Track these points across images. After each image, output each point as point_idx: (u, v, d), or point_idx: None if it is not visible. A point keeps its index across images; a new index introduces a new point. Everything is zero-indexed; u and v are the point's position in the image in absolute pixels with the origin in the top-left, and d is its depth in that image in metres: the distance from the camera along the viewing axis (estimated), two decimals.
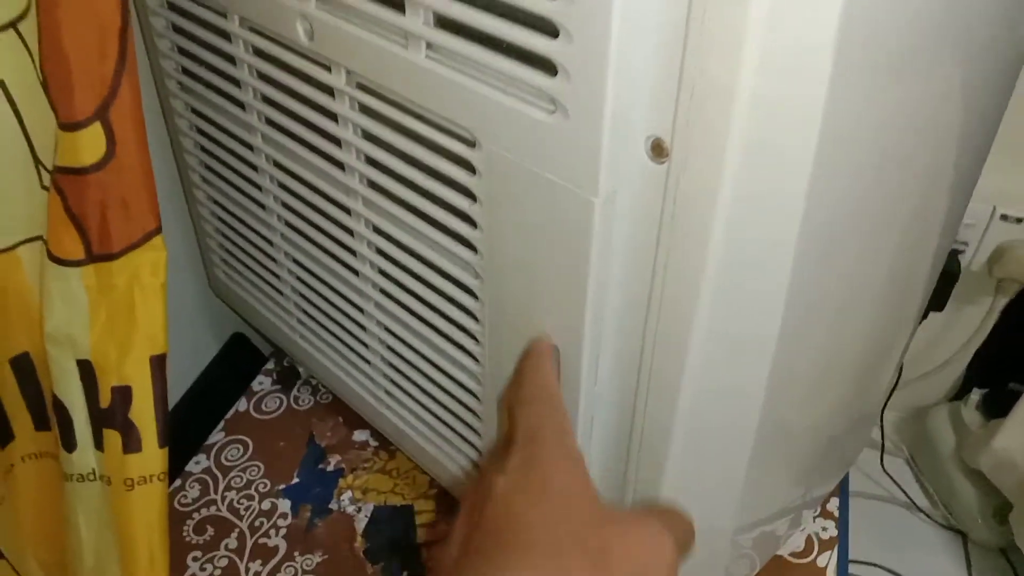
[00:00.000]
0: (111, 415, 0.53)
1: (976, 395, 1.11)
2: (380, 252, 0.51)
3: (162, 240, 0.52)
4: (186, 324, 0.78)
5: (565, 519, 0.33)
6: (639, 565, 0.32)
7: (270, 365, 0.78)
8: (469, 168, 0.40)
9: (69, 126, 0.48)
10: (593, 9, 0.31)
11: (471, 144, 0.40)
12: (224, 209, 0.65)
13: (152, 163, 0.51)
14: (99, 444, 0.54)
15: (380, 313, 0.54)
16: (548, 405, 0.39)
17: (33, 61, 0.48)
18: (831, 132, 0.31)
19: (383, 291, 0.53)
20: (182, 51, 0.59)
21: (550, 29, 0.33)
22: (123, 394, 0.53)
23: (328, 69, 0.46)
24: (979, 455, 1.04)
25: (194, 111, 0.62)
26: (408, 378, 0.55)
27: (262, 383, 0.76)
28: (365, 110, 0.46)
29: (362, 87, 0.45)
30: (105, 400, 0.53)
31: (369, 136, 0.46)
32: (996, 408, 1.09)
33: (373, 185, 0.48)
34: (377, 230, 0.50)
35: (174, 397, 0.76)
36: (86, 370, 0.53)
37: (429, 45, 0.39)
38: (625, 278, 0.37)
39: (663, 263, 0.35)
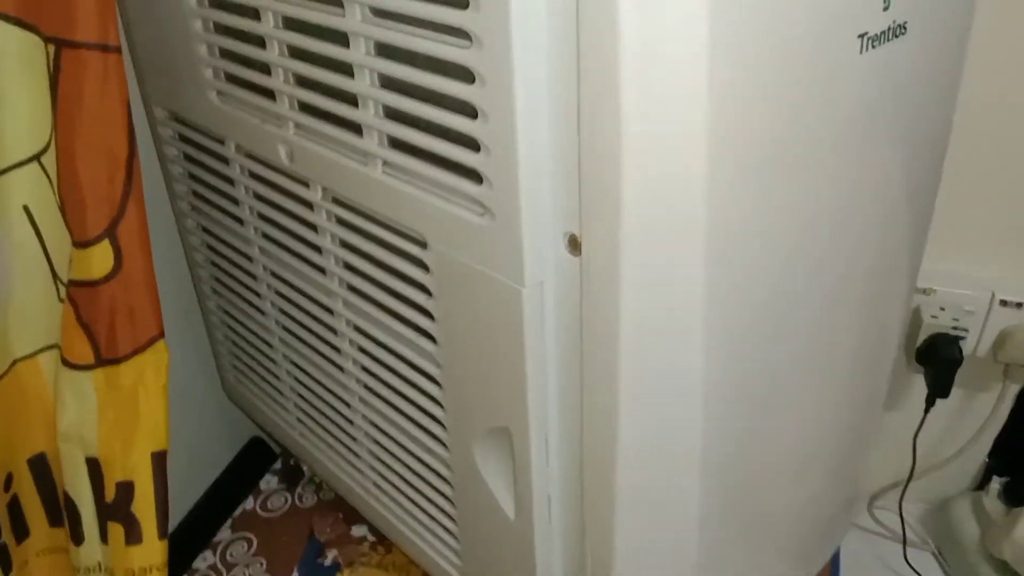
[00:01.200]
0: (115, 508, 0.57)
1: (997, 484, 1.09)
2: (360, 348, 0.55)
3: (164, 344, 0.57)
4: (205, 428, 0.83)
5: None
6: None
7: (277, 465, 0.82)
8: (423, 266, 0.45)
9: (82, 244, 0.54)
10: (502, 127, 0.36)
11: (423, 245, 0.44)
12: (231, 316, 0.71)
13: (157, 275, 0.57)
14: (104, 537, 0.58)
15: (363, 407, 0.58)
16: None
17: (52, 188, 0.54)
18: (717, 217, 0.35)
19: (365, 385, 0.57)
20: (191, 176, 0.66)
21: (474, 145, 0.38)
22: (126, 489, 0.57)
23: (307, 186, 0.51)
24: (1002, 545, 1.01)
25: (203, 228, 0.68)
26: (391, 468, 0.58)
27: (269, 482, 0.80)
28: (339, 221, 0.51)
29: (336, 200, 0.50)
30: (110, 494, 0.57)
31: (344, 243, 0.51)
32: (1018, 496, 1.07)
33: (350, 287, 0.53)
34: (356, 328, 0.54)
35: (190, 499, 0.80)
36: (94, 466, 0.57)
37: (385, 163, 0.44)
38: (560, 360, 0.41)
39: (588, 345, 0.39)
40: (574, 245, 0.38)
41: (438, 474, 0.53)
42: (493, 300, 0.41)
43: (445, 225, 0.42)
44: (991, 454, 1.15)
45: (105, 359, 0.57)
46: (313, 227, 0.53)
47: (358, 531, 0.73)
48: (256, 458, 0.92)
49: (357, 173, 0.46)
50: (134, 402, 0.57)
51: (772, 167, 0.37)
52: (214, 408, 0.84)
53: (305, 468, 0.77)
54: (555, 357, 0.41)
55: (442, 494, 0.54)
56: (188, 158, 0.65)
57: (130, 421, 0.57)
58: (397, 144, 0.43)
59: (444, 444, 0.51)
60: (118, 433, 0.57)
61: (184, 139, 0.64)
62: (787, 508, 0.54)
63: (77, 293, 0.55)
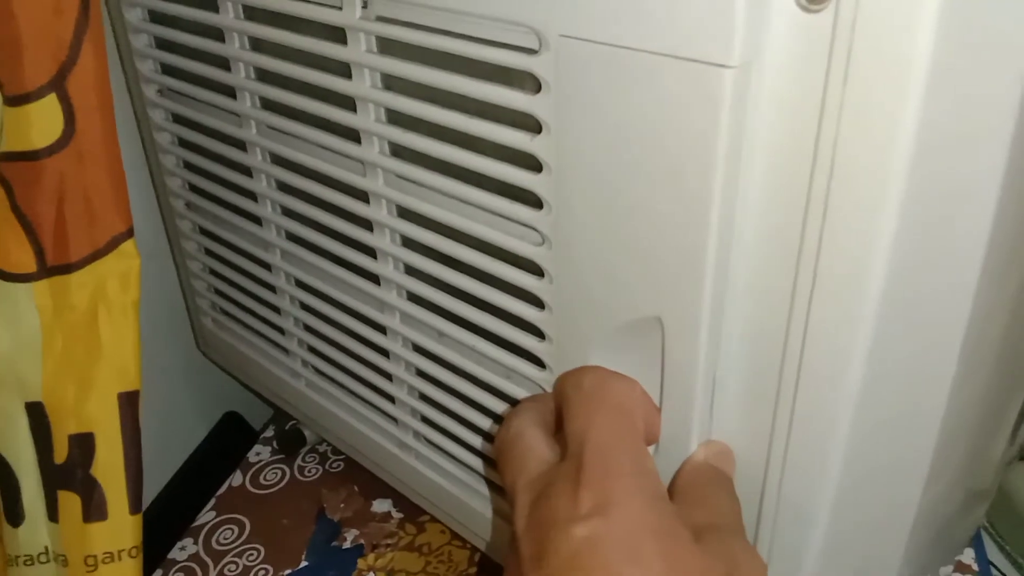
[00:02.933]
0: (68, 472, 0.41)
1: None
2: (405, 241, 0.41)
3: (134, 245, 0.42)
4: (176, 392, 0.67)
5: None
6: None
7: (269, 433, 0.66)
8: (533, 84, 0.31)
9: (16, 99, 0.39)
10: None
11: (532, 51, 0.30)
12: (212, 237, 0.55)
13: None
14: (53, 514, 0.42)
15: (407, 327, 0.43)
16: (622, 420, 0.31)
17: None
18: None
19: (411, 294, 0.42)
20: (163, 45, 0.50)
21: None
22: (84, 444, 0.41)
23: (339, 7, 0.37)
24: None
25: (177, 119, 0.53)
26: (445, 409, 0.44)
27: (260, 453, 0.64)
28: (387, 48, 0.36)
29: (384, 18, 0.36)
30: (61, 453, 0.41)
31: (392, 83, 0.37)
32: None
33: (396, 151, 0.39)
34: (400, 211, 0.40)
35: (161, 480, 0.64)
36: (37, 415, 0.42)
37: None
38: (762, 205, 0.27)
39: (826, 163, 0.25)
40: None
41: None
42: (668, 106, 0.27)
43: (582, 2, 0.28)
44: None
45: (51, 266, 0.41)
46: (349, 75, 0.38)
47: (380, 506, 0.58)
48: (236, 435, 0.77)
49: None
50: (92, 325, 0.42)
51: None
52: (185, 373, 0.68)
53: (307, 432, 0.62)
54: (759, 190, 0.27)
55: None
56: (157, 19, 0.49)
57: (87, 352, 0.42)
58: None
59: (539, 362, 0.37)
60: (70, 369, 0.41)
61: (159, 20, 0.48)
62: (947, 500, 0.40)
63: (10, 171, 0.40)
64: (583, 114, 0.29)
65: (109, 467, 0.41)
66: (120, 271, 0.41)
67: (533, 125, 0.31)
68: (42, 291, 0.41)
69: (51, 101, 0.39)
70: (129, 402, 0.42)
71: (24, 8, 0.38)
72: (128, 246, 0.42)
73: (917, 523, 0.33)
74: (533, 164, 0.32)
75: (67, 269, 0.41)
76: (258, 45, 0.43)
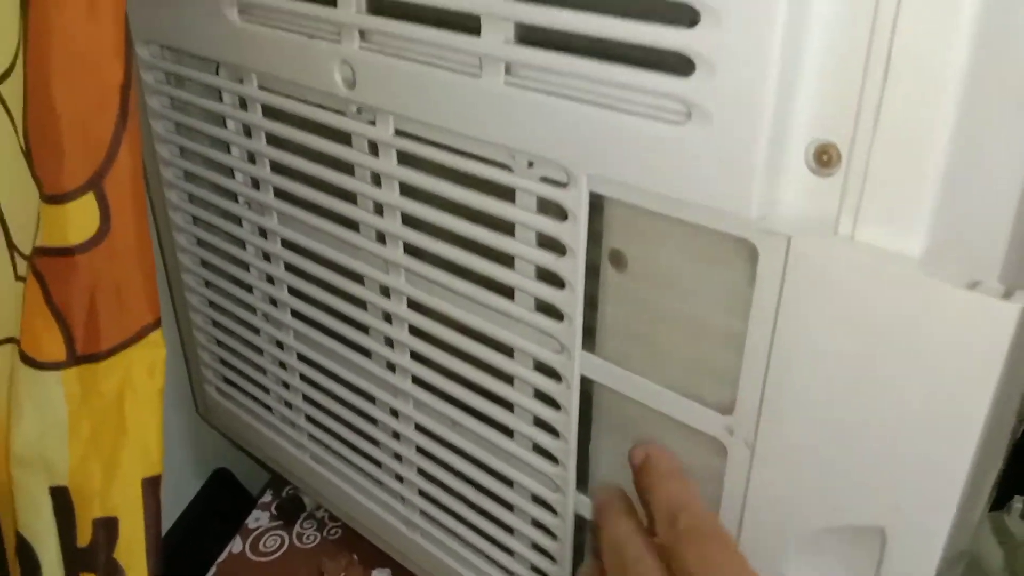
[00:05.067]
0: (91, 555, 0.42)
1: (1019, 503, 1.03)
2: (425, 337, 0.43)
3: (161, 335, 0.44)
4: (167, 455, 0.68)
5: None
6: None
7: (267, 498, 0.67)
8: (560, 213, 0.33)
9: (56, 198, 0.40)
10: None
11: (560, 184, 0.33)
12: (223, 312, 0.57)
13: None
14: None
15: (420, 414, 0.45)
16: (720, 541, 0.31)
17: (14, 125, 0.41)
18: None
19: (425, 385, 0.44)
20: (182, 129, 0.52)
21: (683, 17, 0.27)
22: (108, 528, 0.43)
23: (372, 122, 0.39)
24: None
25: (193, 199, 0.55)
26: (454, 492, 0.46)
27: (259, 519, 0.66)
28: (408, 160, 0.39)
29: (406, 134, 0.38)
30: (84, 537, 0.43)
31: (417, 194, 0.39)
32: None
33: (418, 253, 0.41)
34: (422, 309, 0.42)
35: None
36: (62, 500, 0.43)
37: (509, 68, 0.33)
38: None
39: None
40: (824, 160, 0.27)
41: (544, 475, 0.41)
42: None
43: (610, 145, 0.30)
44: (1007, 472, 1.08)
45: (82, 355, 0.42)
46: (374, 179, 0.41)
47: (380, 575, 0.59)
48: (227, 495, 0.78)
49: (463, 89, 0.34)
50: (119, 412, 0.43)
51: None
52: (179, 426, 0.69)
53: (307, 500, 0.63)
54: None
55: (544, 504, 0.41)
56: (181, 107, 0.52)
57: (114, 437, 0.43)
58: (530, 39, 0.32)
59: (553, 458, 0.39)
60: (97, 454, 0.43)
61: (178, 82, 0.51)
62: None
63: (46, 266, 0.41)
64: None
65: (132, 550, 0.43)
66: (147, 360, 0.43)
67: (559, 247, 0.34)
68: (71, 379, 0.42)
69: (88, 200, 0.41)
70: (152, 487, 0.43)
71: (67, 107, 0.40)
72: (156, 336, 0.43)
73: None
74: (556, 281, 0.35)
75: (96, 358, 0.42)
76: (281, 143, 0.45)
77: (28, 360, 0.42)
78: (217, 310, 0.58)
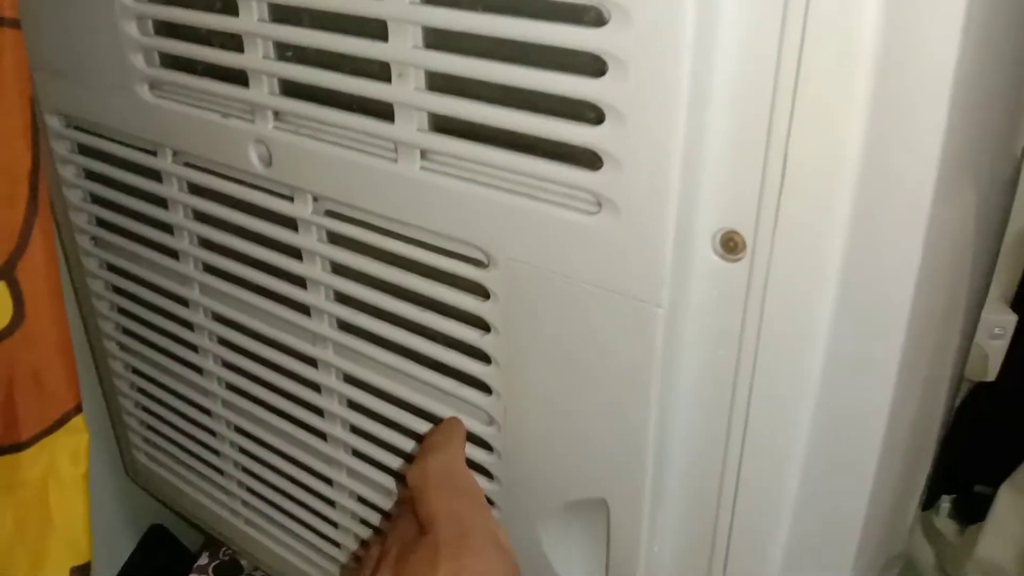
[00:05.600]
0: None
1: (946, 502, 1.07)
2: (354, 405, 0.43)
3: (83, 420, 0.43)
4: (99, 513, 0.66)
5: None
6: None
7: (204, 560, 0.66)
8: (481, 293, 0.34)
9: None
10: (654, 88, 0.26)
11: (481, 264, 0.33)
12: (148, 379, 0.56)
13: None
14: None
15: (355, 482, 0.45)
16: (473, 500, 0.36)
17: None
18: (936, 208, 0.26)
19: (359, 454, 0.44)
20: (97, 200, 0.51)
21: (590, 115, 0.28)
22: None
23: (290, 199, 0.39)
24: (964, 566, 0.99)
25: (112, 268, 0.53)
26: None
27: None
28: (334, 239, 0.39)
29: (331, 214, 0.38)
30: None
31: (341, 270, 0.39)
32: (969, 513, 1.05)
33: (347, 328, 0.41)
34: (350, 379, 0.42)
35: None
36: None
37: (424, 154, 0.33)
38: (693, 410, 0.31)
39: (746, 385, 0.29)
40: (730, 247, 0.28)
41: None
42: (606, 327, 0.30)
43: (524, 232, 0.31)
44: (935, 472, 1.13)
45: (1, 446, 0.41)
46: (295, 253, 0.41)
47: None
48: (163, 552, 0.76)
49: (381, 174, 0.35)
50: (43, 501, 0.42)
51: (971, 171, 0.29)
52: (106, 492, 0.67)
53: (244, 562, 0.62)
54: (688, 397, 0.31)
55: None
56: (93, 177, 0.51)
57: (39, 527, 0.42)
58: (445, 127, 0.32)
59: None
60: (23, 545, 0.42)
61: (89, 152, 0.50)
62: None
63: None
64: (527, 322, 0.33)
65: None
66: (71, 446, 0.42)
67: (484, 324, 0.35)
68: None
69: (1, 289, 0.40)
70: (81, 574, 0.42)
71: None
72: (77, 421, 0.42)
73: None
74: (482, 356, 0.35)
75: (17, 447, 0.41)
76: (204, 218, 0.45)
77: None
78: (141, 377, 0.57)
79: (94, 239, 0.53)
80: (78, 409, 0.42)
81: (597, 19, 0.27)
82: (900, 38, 0.24)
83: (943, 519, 1.13)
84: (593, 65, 0.27)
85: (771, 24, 0.24)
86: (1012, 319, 0.52)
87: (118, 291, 0.54)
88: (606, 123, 0.27)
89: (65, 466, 0.42)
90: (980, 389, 0.71)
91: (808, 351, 0.28)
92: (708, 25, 0.25)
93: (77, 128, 0.49)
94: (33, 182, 0.40)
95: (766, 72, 0.25)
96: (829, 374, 0.28)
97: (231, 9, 0.36)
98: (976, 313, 0.48)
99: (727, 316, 0.29)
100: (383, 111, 0.33)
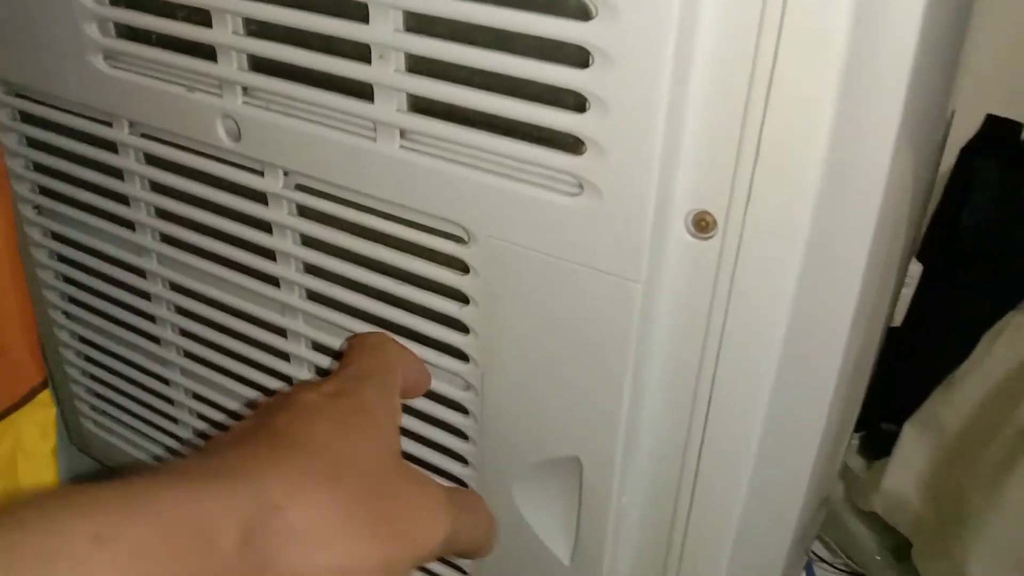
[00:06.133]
0: None
1: (854, 439, 1.15)
2: (326, 373, 0.44)
3: (50, 395, 0.43)
4: None
5: (356, 454, 0.31)
6: (408, 528, 0.31)
7: None
8: (460, 267, 0.35)
9: None
10: (638, 79, 0.27)
11: (461, 240, 0.35)
12: (98, 348, 0.55)
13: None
14: None
15: None
16: (384, 361, 0.37)
17: None
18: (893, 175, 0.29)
19: None
20: (40, 168, 0.50)
21: (571, 102, 0.29)
22: None
23: (260, 173, 0.40)
24: (871, 498, 1.07)
25: (56, 237, 0.52)
26: None
27: None
28: (304, 213, 0.40)
29: (302, 188, 0.39)
30: None
31: (312, 243, 0.40)
32: (875, 449, 1.13)
33: (316, 298, 0.42)
34: (319, 347, 0.43)
35: None
36: None
37: (403, 133, 0.34)
38: (664, 375, 0.34)
39: (713, 351, 0.32)
40: (702, 226, 0.30)
41: None
42: (585, 302, 0.32)
43: (505, 212, 0.33)
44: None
45: None
46: (263, 226, 0.41)
47: None
48: None
49: (357, 152, 0.35)
50: (12, 475, 0.42)
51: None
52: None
53: None
54: (659, 365, 0.33)
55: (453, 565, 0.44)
56: (36, 145, 0.49)
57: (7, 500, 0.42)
58: (424, 107, 0.33)
59: (465, 485, 0.41)
60: None
61: (32, 120, 0.48)
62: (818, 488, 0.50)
63: None
64: (508, 297, 0.34)
65: None
66: (39, 421, 0.42)
67: (462, 296, 0.36)
68: None
69: None
70: None
71: None
72: (44, 396, 0.42)
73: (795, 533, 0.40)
74: (461, 327, 0.37)
75: None
76: (163, 189, 0.45)
77: None
78: (90, 346, 0.56)
79: (37, 207, 0.52)
80: (44, 384, 0.42)
81: (582, 12, 0.28)
82: (865, 39, 0.26)
83: (851, 455, 1.22)
84: (577, 55, 0.29)
85: (750, 22, 0.26)
86: (918, 268, 0.57)
87: (64, 260, 0.53)
88: (590, 111, 0.29)
89: (33, 441, 0.42)
90: (888, 335, 0.76)
91: (772, 321, 0.30)
92: (690, 21, 0.27)
93: (20, 96, 0.48)
94: None
95: (743, 67, 0.27)
96: (789, 341, 0.31)
97: None
98: (906, 265, 0.52)
99: (699, 289, 0.31)
100: (360, 90, 0.34)
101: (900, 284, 0.50)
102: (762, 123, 0.28)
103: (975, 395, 0.83)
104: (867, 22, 0.26)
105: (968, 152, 0.68)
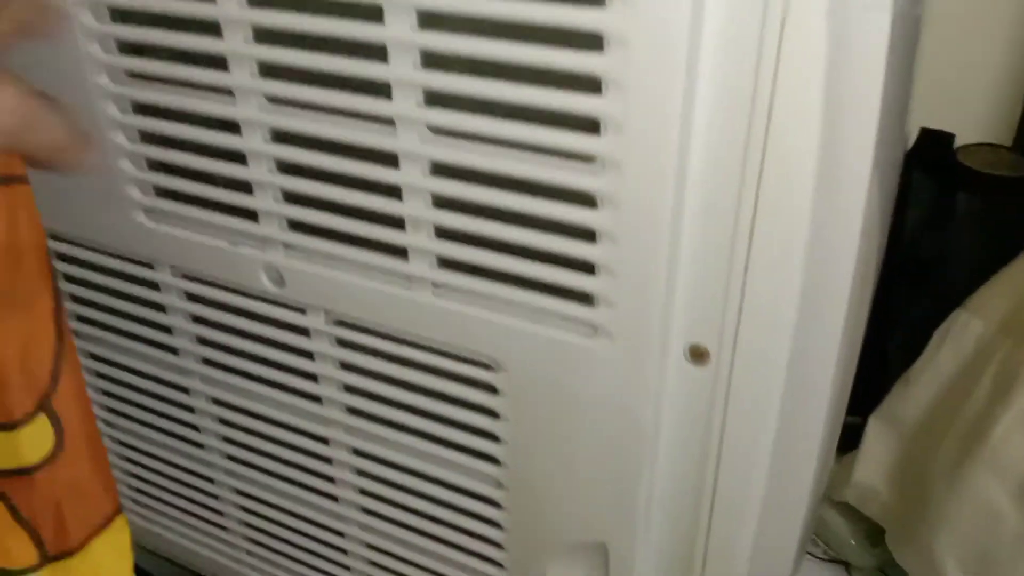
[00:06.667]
0: None
1: None
2: (362, 473, 0.49)
3: (124, 520, 0.47)
4: None
5: None
6: None
7: None
8: (490, 389, 0.41)
9: (7, 426, 0.43)
10: (643, 249, 0.33)
11: (490, 367, 0.41)
12: (138, 451, 0.60)
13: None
14: None
15: (366, 533, 0.52)
16: None
17: None
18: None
19: (367, 511, 0.51)
20: (78, 299, 0.55)
21: (587, 268, 0.35)
22: None
23: (301, 311, 0.45)
24: (843, 490, 1.15)
25: (94, 357, 0.57)
26: None
27: None
28: (344, 343, 0.45)
29: (342, 323, 0.44)
30: None
31: (350, 366, 0.46)
32: (843, 443, 1.21)
33: (357, 412, 0.47)
34: (360, 453, 0.49)
35: None
36: None
37: (436, 284, 0.40)
38: (672, 474, 0.40)
39: (714, 455, 0.38)
40: (698, 356, 0.36)
41: None
42: (601, 423, 0.38)
43: (531, 349, 0.38)
44: None
45: (53, 555, 0.46)
46: (306, 354, 0.46)
47: None
48: None
49: (392, 297, 0.41)
50: None
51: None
52: None
53: None
54: (667, 469, 0.40)
55: None
56: (73, 280, 0.54)
57: None
58: (453, 263, 0.39)
59: (500, 565, 0.47)
60: None
61: (69, 259, 0.53)
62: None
63: (7, 485, 0.44)
64: (532, 416, 0.40)
65: None
66: (115, 544, 0.47)
67: (492, 412, 0.42)
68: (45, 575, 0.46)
69: (41, 421, 0.44)
70: None
71: (5, 346, 0.42)
72: (119, 521, 0.47)
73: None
74: (491, 437, 0.43)
75: (68, 554, 0.46)
76: (205, 320, 0.49)
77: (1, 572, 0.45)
78: (131, 448, 0.61)
79: (76, 333, 0.56)
80: (118, 510, 0.47)
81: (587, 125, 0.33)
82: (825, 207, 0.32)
83: None
84: (582, 198, 0.34)
85: (732, 179, 0.32)
86: None
87: (102, 376, 0.58)
88: (598, 274, 0.35)
89: (111, 562, 0.47)
90: None
91: (762, 427, 0.37)
92: (683, 179, 0.32)
93: (56, 238, 0.52)
94: (58, 319, 0.44)
95: (727, 221, 0.33)
96: (778, 440, 0.37)
97: (239, 159, 0.41)
98: (876, 278, 0.58)
99: (698, 408, 0.37)
100: (397, 250, 0.39)
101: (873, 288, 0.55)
102: (745, 271, 0.34)
103: (930, 391, 0.90)
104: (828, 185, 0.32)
105: (905, 165, 0.71)
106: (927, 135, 0.76)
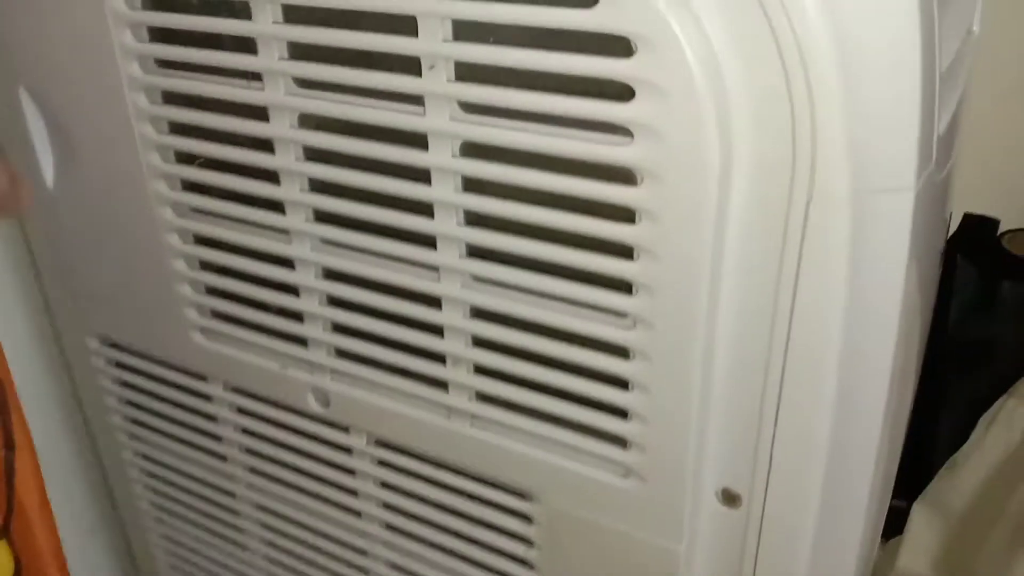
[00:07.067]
0: None
1: None
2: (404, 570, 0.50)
3: None
4: None
5: None
6: None
7: None
8: (525, 518, 0.42)
9: None
10: (674, 398, 0.35)
11: (526, 497, 0.42)
12: (185, 547, 0.62)
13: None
14: None
15: None
16: None
17: None
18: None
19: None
20: (131, 404, 0.57)
21: (620, 413, 0.37)
22: None
23: (345, 429, 0.47)
24: None
25: (146, 457, 0.59)
26: None
27: None
28: (384, 463, 0.47)
29: (382, 443, 0.46)
30: None
31: (389, 486, 0.47)
32: (888, 527, 1.19)
33: (394, 529, 0.49)
34: (398, 567, 0.50)
35: None
36: None
37: (475, 416, 0.41)
38: None
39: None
40: (730, 499, 0.37)
41: None
42: (633, 559, 0.39)
43: (565, 484, 0.40)
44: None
45: None
46: (348, 470, 0.48)
47: None
48: None
49: (432, 425, 0.42)
50: None
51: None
52: None
53: None
54: None
55: None
56: (128, 385, 0.56)
57: None
58: (491, 397, 0.41)
59: None
60: None
61: (125, 367, 0.55)
62: None
63: None
64: (566, 544, 0.41)
65: None
66: None
67: (527, 540, 0.43)
68: None
69: (2, 547, 0.46)
70: None
71: None
72: None
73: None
74: (527, 564, 0.44)
75: None
76: (251, 433, 0.51)
77: None
78: (176, 544, 0.62)
79: (128, 434, 0.59)
80: None
81: (621, 285, 0.35)
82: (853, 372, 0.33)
83: None
84: (615, 349, 0.36)
85: (761, 332, 0.34)
86: None
87: (153, 476, 0.60)
88: (631, 420, 0.36)
89: None
90: None
91: (794, 562, 0.37)
92: (712, 345, 0.34)
93: (114, 346, 0.55)
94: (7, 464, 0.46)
95: (757, 370, 0.34)
96: (813, 568, 0.38)
97: (293, 291, 0.43)
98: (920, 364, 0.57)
99: (730, 550, 0.38)
100: (438, 382, 0.41)
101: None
102: (774, 425, 0.35)
103: (977, 477, 0.88)
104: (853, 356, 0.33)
105: (949, 251, 0.71)
106: (970, 220, 0.75)
